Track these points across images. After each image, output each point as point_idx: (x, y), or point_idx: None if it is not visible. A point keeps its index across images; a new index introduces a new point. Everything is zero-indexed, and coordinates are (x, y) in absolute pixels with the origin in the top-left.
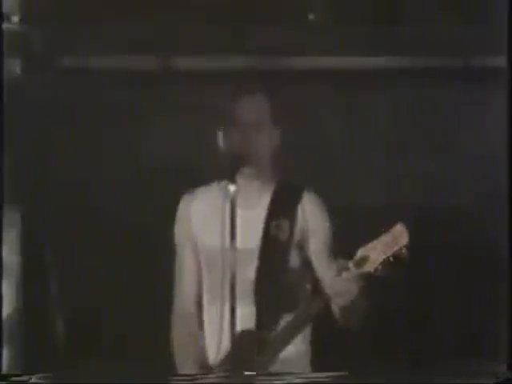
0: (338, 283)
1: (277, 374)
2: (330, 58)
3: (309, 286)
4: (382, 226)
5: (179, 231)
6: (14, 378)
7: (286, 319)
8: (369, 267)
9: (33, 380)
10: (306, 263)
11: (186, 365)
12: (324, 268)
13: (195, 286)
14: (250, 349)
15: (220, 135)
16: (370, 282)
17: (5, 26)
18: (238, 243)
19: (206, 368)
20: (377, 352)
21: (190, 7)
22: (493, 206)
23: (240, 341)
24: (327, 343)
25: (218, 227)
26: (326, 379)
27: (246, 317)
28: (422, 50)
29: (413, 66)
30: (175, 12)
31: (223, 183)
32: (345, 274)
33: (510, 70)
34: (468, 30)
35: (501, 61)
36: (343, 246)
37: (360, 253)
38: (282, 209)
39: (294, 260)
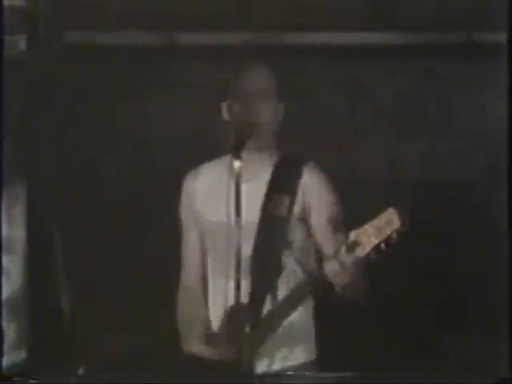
0: (332, 265)
1: (286, 375)
2: (332, 34)
3: (309, 261)
4: (383, 202)
5: (183, 210)
6: (14, 378)
7: (284, 294)
8: (359, 252)
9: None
10: (308, 238)
11: (191, 340)
12: (327, 242)
13: (199, 263)
14: (244, 322)
15: (224, 108)
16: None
17: (8, 2)
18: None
19: (210, 342)
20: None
21: None
22: (492, 183)
23: (234, 314)
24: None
25: (221, 202)
26: (334, 380)
27: (245, 290)
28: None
29: (413, 42)
30: None
31: (226, 158)
32: (337, 258)
33: (511, 46)
34: (468, 6)
35: (501, 37)
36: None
37: (351, 237)
38: (282, 183)
39: (295, 234)
